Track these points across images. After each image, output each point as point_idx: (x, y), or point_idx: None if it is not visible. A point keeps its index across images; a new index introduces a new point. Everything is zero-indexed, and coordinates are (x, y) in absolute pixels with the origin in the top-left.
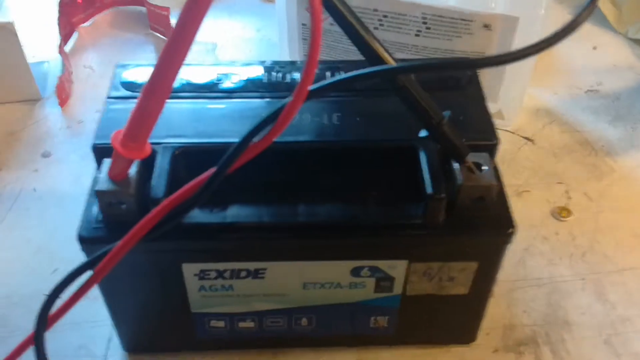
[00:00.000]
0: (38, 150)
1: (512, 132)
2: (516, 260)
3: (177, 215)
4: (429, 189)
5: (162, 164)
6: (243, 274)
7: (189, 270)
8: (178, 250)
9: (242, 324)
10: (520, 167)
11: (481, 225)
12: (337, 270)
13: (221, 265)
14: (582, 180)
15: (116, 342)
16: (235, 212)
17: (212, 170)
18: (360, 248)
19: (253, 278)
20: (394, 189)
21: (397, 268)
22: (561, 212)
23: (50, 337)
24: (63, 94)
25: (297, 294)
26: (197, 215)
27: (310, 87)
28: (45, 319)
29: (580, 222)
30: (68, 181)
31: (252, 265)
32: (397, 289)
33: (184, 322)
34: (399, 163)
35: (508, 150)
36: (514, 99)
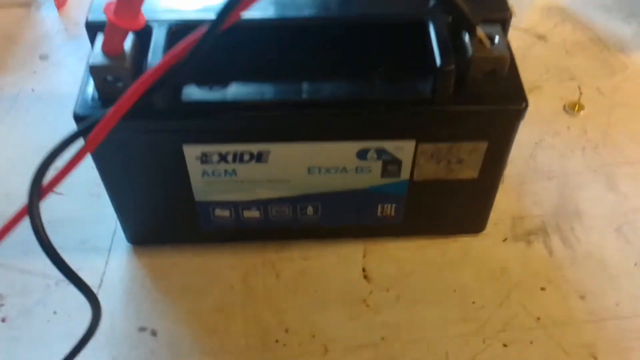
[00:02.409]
0: (36, 53)
1: (524, 30)
2: (527, 155)
3: (172, 76)
4: (438, 62)
5: (158, 40)
6: (246, 157)
7: (191, 152)
8: (178, 130)
9: (247, 213)
10: (532, 65)
11: (492, 100)
12: (342, 153)
13: (223, 148)
14: (595, 76)
15: (120, 235)
16: (236, 90)
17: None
18: (366, 126)
19: (257, 162)
20: (402, 65)
21: (404, 149)
22: (573, 107)
23: (51, 232)
24: None
25: (302, 179)
26: (197, 93)
27: None
28: (38, 188)
29: (592, 117)
30: (67, 82)
31: (255, 148)
32: (405, 174)
33: (188, 212)
34: (407, 38)
35: (520, 47)
36: None
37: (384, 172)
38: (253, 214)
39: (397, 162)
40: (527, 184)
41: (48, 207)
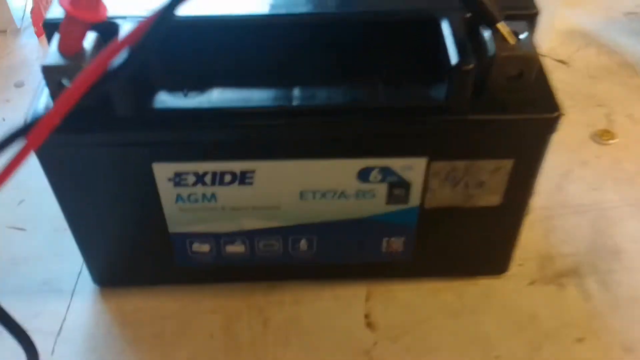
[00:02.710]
0: (11, 80)
1: (544, 55)
2: (552, 186)
3: (127, 64)
4: (453, 59)
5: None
6: (227, 178)
7: (162, 172)
8: (146, 143)
9: (230, 248)
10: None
11: (518, 107)
12: (340, 173)
13: (200, 166)
14: (626, 103)
15: (86, 275)
16: (216, 96)
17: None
18: (368, 139)
19: (240, 184)
20: (409, 69)
21: (413, 169)
22: (602, 135)
23: (12, 272)
24: (40, 24)
25: (293, 206)
26: (169, 100)
27: None
28: None
29: (625, 146)
30: None
31: (237, 167)
32: (414, 200)
33: (161, 246)
34: (415, 38)
35: None
36: (544, 18)
37: (390, 198)
38: (237, 248)
39: (406, 185)
40: (554, 218)
41: (9, 244)
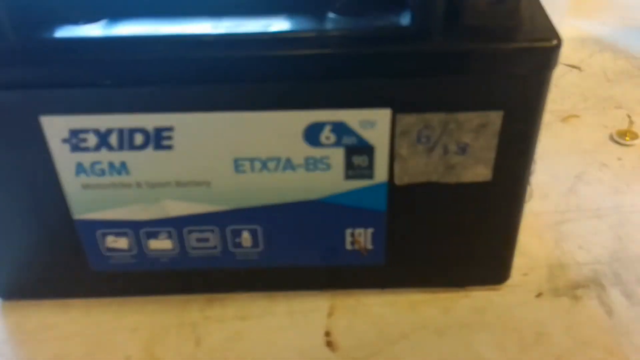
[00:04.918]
0: None
1: None
2: (565, 189)
3: None
4: None
5: None
6: (139, 138)
7: (54, 129)
8: (31, 84)
9: (154, 243)
10: (565, 93)
11: (504, 35)
12: (282, 131)
13: (101, 121)
14: None
15: None
16: (117, 24)
17: None
18: (315, 84)
19: (156, 148)
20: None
21: (375, 126)
22: (624, 136)
23: None
24: None
25: (227, 182)
26: (55, 29)
27: None
28: None
29: None
30: None
31: (150, 121)
32: (381, 173)
33: (67, 241)
34: None
35: None
36: None
37: (350, 170)
38: (163, 244)
39: (368, 150)
40: (567, 223)
41: None
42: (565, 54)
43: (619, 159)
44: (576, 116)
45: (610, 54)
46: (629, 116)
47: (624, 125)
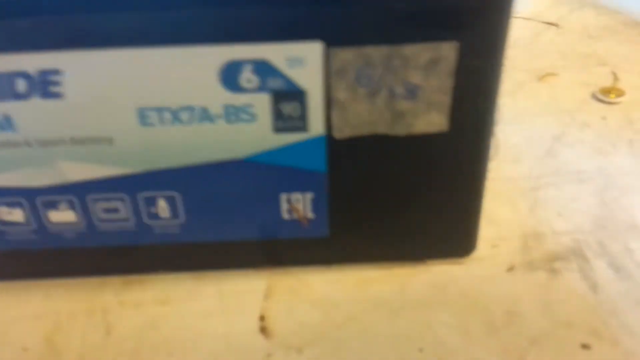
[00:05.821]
0: None
1: (528, 19)
2: (542, 152)
3: None
4: None
5: None
6: (21, 84)
7: None
8: None
9: (55, 215)
10: (542, 51)
11: None
12: (195, 72)
13: None
14: (634, 61)
15: None
16: None
17: None
18: (228, 10)
19: (43, 97)
20: None
21: (305, 64)
22: (608, 93)
23: None
24: None
25: (132, 137)
26: None
27: None
28: None
29: (637, 103)
30: None
31: (33, 62)
32: (316, 124)
33: None
34: None
35: (523, 36)
36: None
37: (279, 120)
38: (65, 215)
39: (299, 95)
40: (544, 188)
41: None
42: (542, 11)
43: (603, 118)
44: (554, 74)
45: (592, 10)
46: (614, 73)
47: (608, 83)
